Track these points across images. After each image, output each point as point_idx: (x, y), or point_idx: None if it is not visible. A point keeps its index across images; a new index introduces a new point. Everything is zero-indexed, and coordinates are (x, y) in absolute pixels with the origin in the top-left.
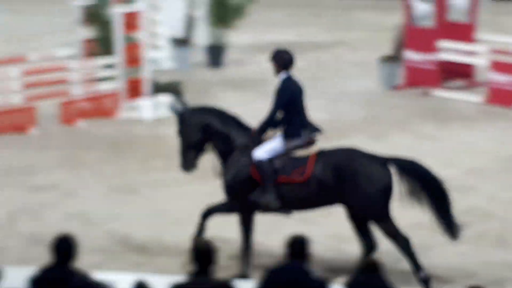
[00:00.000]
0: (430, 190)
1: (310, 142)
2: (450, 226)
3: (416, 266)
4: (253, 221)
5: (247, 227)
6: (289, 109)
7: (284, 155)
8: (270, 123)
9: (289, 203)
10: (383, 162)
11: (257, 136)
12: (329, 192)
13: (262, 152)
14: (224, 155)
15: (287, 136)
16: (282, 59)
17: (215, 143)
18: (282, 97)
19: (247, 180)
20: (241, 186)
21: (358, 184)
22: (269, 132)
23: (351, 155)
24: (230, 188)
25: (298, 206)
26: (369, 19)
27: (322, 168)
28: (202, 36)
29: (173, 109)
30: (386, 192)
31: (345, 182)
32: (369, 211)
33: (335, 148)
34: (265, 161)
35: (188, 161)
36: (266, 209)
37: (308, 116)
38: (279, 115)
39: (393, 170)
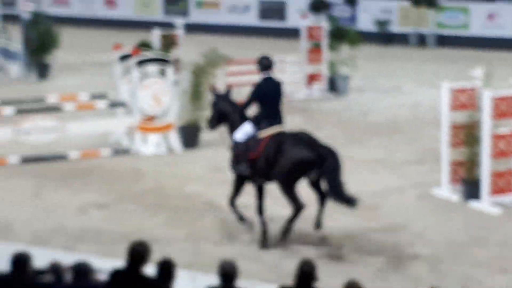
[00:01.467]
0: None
1: (274, 129)
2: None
3: (288, 228)
4: (243, 184)
5: (237, 188)
6: (261, 102)
7: (254, 137)
8: (244, 110)
9: (255, 173)
10: (309, 145)
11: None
12: (270, 166)
13: (239, 135)
14: (231, 132)
15: (257, 122)
16: (262, 64)
17: (226, 122)
18: (255, 92)
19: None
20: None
21: (279, 156)
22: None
23: (290, 136)
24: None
25: (260, 176)
26: None
27: (269, 146)
28: None
29: (214, 92)
30: (295, 167)
31: (276, 155)
32: (279, 177)
33: (287, 131)
34: (239, 141)
35: (212, 124)
36: (243, 176)
37: (279, 110)
38: (254, 105)
39: (314, 154)
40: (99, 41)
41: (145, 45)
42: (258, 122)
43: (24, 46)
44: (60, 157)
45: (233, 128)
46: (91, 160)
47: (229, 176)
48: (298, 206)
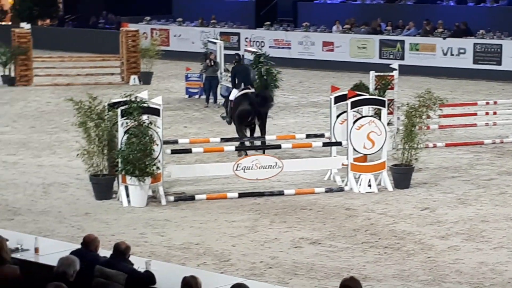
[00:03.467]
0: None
1: (246, 90)
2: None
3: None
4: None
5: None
6: (239, 77)
7: (236, 98)
8: (232, 83)
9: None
10: (249, 101)
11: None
12: (232, 112)
13: (231, 96)
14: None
15: (237, 88)
16: (235, 58)
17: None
18: (231, 74)
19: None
20: None
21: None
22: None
23: (244, 95)
24: None
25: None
26: None
27: (235, 101)
28: None
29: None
30: (238, 114)
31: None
32: (234, 122)
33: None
34: (229, 100)
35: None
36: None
37: (248, 81)
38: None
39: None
40: (316, 82)
41: (360, 87)
42: (239, 88)
43: None
44: (276, 193)
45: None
46: (305, 197)
47: (441, 217)
48: (242, 137)
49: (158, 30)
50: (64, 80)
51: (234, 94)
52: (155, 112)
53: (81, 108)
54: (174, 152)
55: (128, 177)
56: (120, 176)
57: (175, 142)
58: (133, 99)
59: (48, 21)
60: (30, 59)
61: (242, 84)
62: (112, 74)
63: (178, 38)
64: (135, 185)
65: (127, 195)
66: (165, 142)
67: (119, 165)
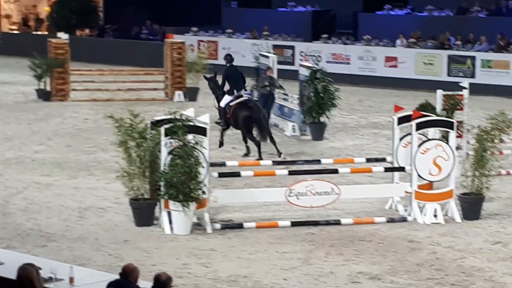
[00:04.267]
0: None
1: (238, 98)
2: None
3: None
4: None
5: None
6: (229, 81)
7: (228, 104)
8: (222, 88)
9: (232, 125)
10: (250, 109)
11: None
12: (236, 122)
13: (222, 102)
14: (218, 101)
15: (230, 95)
16: (227, 59)
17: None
18: (223, 75)
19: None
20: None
21: (236, 116)
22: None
23: (245, 103)
24: None
25: (236, 128)
26: None
27: (234, 110)
28: None
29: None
30: (243, 121)
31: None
32: (240, 128)
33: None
34: (222, 107)
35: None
36: (225, 128)
37: (241, 86)
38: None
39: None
40: (377, 100)
41: (426, 107)
42: (230, 94)
43: (300, 103)
44: (332, 223)
45: (218, 100)
46: (364, 227)
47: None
48: (256, 143)
49: (206, 42)
50: (103, 95)
51: (226, 100)
52: (202, 131)
53: (122, 126)
54: (221, 175)
55: (171, 202)
56: (162, 200)
57: (223, 164)
58: (178, 117)
59: (87, 31)
60: (67, 72)
61: (234, 90)
62: (156, 89)
63: (227, 51)
64: (178, 211)
65: (170, 222)
66: (212, 165)
67: (162, 188)
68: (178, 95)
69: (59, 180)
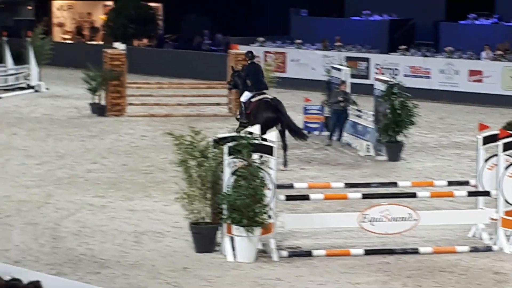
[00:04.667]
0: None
1: (260, 94)
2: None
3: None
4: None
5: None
6: (250, 78)
7: (249, 100)
8: (244, 84)
9: (250, 121)
10: (273, 109)
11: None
12: (255, 119)
13: (242, 98)
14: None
15: (250, 91)
16: (249, 56)
17: (237, 89)
18: (244, 72)
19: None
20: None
21: (256, 113)
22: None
23: (266, 102)
24: None
25: (253, 124)
26: None
27: (255, 107)
28: None
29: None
30: (264, 121)
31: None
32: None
33: (266, 97)
34: (242, 102)
35: (229, 88)
36: (247, 123)
37: (261, 82)
38: (248, 81)
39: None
40: (460, 118)
41: None
42: (251, 90)
43: (375, 121)
44: (410, 251)
45: (240, 93)
46: (445, 257)
47: None
48: (282, 146)
49: (273, 53)
50: (162, 110)
51: (246, 96)
52: (268, 150)
53: (182, 143)
54: (289, 198)
55: (234, 227)
56: (224, 225)
57: (290, 186)
58: (242, 135)
59: (145, 41)
60: (124, 85)
61: (254, 87)
62: (218, 104)
63: (296, 63)
64: (242, 237)
65: (233, 248)
66: (279, 187)
67: (224, 212)
68: None
69: (114, 201)
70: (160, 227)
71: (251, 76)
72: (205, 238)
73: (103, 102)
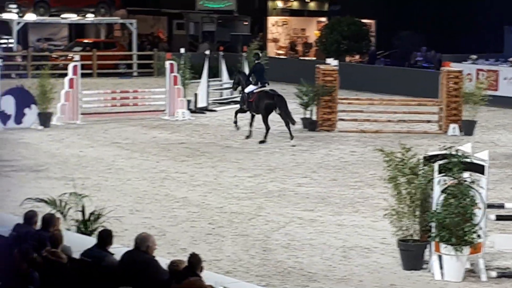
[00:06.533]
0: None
1: (263, 87)
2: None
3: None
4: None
5: (241, 111)
6: (255, 74)
7: (252, 91)
8: (248, 79)
9: (251, 109)
10: (272, 97)
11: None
12: (257, 107)
13: (247, 90)
14: (243, 89)
15: (254, 85)
16: (255, 56)
17: (240, 84)
18: (252, 69)
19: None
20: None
21: (258, 101)
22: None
23: (266, 92)
24: None
25: (253, 111)
26: None
27: (257, 96)
28: None
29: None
30: (265, 107)
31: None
32: (260, 112)
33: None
34: (246, 93)
35: (234, 87)
36: (247, 110)
37: (264, 79)
38: (252, 77)
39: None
40: None
41: None
42: (255, 84)
43: None
44: None
45: (243, 87)
46: None
47: None
48: (267, 127)
49: (486, 71)
50: (372, 126)
51: (250, 88)
52: (479, 169)
53: (392, 160)
54: (499, 218)
55: (442, 245)
56: (433, 243)
57: (501, 206)
58: (453, 153)
59: (357, 57)
60: (335, 100)
61: (258, 82)
62: (429, 121)
63: (509, 81)
64: (450, 255)
65: (441, 267)
66: (489, 206)
67: (433, 230)
68: (453, 128)
69: (323, 216)
70: (368, 243)
71: (256, 73)
72: (413, 256)
73: (314, 117)
